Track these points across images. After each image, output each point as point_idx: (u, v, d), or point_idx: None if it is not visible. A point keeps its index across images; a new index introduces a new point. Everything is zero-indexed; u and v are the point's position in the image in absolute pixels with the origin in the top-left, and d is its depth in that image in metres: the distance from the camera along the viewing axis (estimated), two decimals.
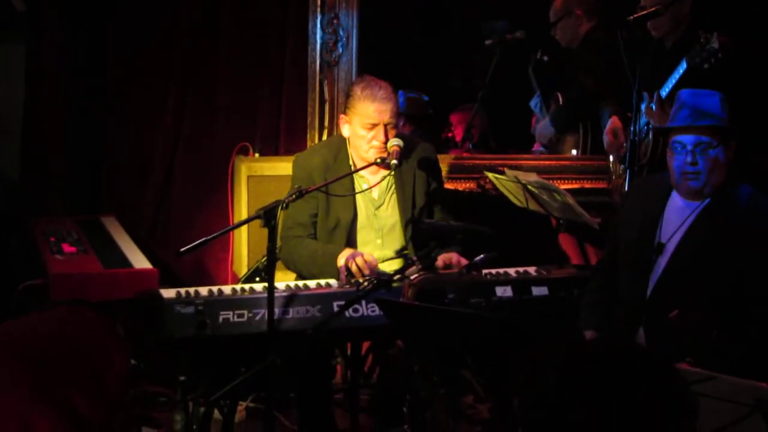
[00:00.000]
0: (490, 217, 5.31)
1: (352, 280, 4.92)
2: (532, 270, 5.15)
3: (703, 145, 4.39)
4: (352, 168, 5.20)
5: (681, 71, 5.30)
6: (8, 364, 2.24)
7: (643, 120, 5.57)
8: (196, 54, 6.73)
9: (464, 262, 5.00)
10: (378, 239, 5.28)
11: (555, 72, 7.32)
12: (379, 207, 5.28)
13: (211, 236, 4.50)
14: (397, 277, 4.69)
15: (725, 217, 4.39)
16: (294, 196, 4.67)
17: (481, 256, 4.77)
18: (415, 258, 4.86)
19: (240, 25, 6.71)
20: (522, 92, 7.59)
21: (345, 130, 5.23)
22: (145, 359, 4.77)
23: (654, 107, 5.47)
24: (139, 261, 5.27)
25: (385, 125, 5.09)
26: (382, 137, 5.08)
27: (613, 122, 6.00)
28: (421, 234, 5.21)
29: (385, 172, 5.20)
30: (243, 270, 6.20)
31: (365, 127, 5.11)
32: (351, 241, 5.23)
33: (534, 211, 5.48)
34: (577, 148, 6.95)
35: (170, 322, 4.50)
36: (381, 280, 4.58)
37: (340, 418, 5.33)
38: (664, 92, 5.41)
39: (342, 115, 5.26)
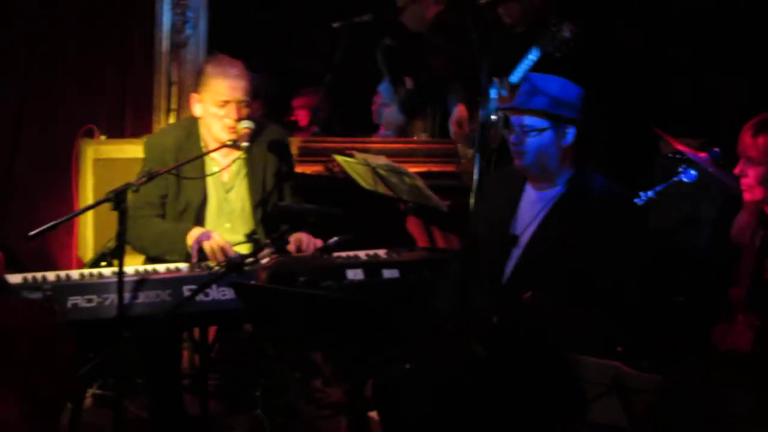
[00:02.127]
0: (338, 200, 5.32)
1: (203, 264, 4.87)
2: (382, 253, 5.17)
3: (526, 126, 4.41)
4: (204, 149, 5.15)
5: (532, 58, 5.37)
6: None
7: (493, 104, 5.61)
8: (37, 33, 6.56)
9: (315, 242, 5.01)
10: (227, 223, 5.24)
11: (404, 57, 7.34)
12: (229, 190, 5.24)
13: (61, 219, 4.38)
14: (249, 260, 4.67)
15: (576, 208, 4.39)
16: (145, 179, 4.61)
17: (335, 238, 4.77)
18: (267, 241, 4.83)
19: (83, 2, 6.58)
20: (369, 76, 7.60)
21: (197, 110, 5.16)
22: None
23: (506, 93, 5.53)
24: None
25: (237, 103, 5.05)
26: (234, 115, 5.04)
27: (459, 111, 6.03)
28: (272, 217, 5.19)
29: (235, 155, 5.15)
30: (88, 255, 6.09)
31: (217, 104, 5.06)
32: (200, 224, 5.16)
33: (382, 194, 5.50)
34: (425, 131, 6.99)
35: None
36: (233, 263, 4.54)
37: (190, 404, 5.26)
38: (515, 78, 5.47)
39: (193, 94, 5.19)
